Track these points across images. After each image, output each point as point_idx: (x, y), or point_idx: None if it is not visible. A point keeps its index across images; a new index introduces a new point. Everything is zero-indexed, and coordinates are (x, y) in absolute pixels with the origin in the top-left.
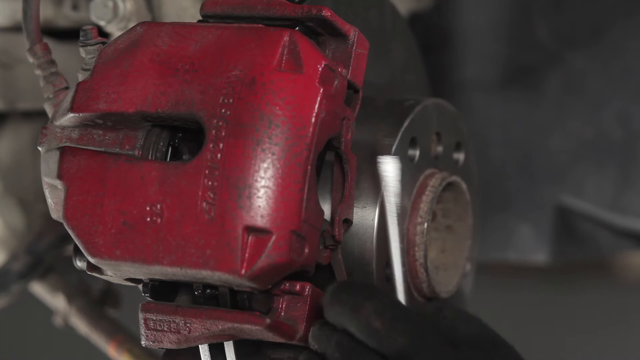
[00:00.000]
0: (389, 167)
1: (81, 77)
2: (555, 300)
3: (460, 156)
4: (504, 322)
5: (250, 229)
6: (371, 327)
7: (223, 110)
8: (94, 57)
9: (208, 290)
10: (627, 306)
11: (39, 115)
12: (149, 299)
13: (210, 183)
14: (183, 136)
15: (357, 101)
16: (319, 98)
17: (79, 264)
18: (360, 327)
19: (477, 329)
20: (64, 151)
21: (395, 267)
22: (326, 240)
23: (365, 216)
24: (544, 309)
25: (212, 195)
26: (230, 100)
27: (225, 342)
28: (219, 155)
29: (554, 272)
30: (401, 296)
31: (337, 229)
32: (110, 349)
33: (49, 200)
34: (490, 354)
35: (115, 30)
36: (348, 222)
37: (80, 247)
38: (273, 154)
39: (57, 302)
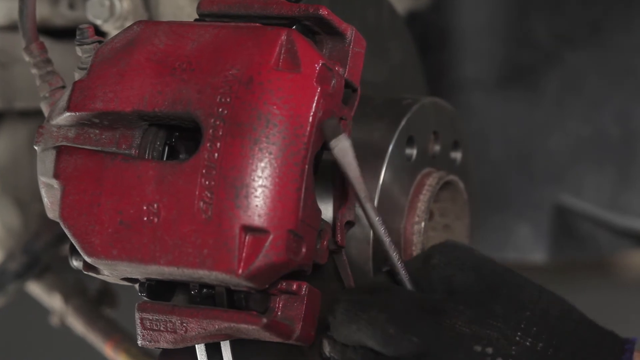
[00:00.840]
0: (344, 145)
1: (78, 76)
2: None
3: (457, 155)
4: None
5: (248, 229)
6: (387, 335)
7: (220, 110)
8: (90, 56)
9: (205, 290)
10: (627, 306)
11: (36, 114)
12: (145, 298)
13: (207, 182)
14: (180, 135)
15: (354, 100)
16: (316, 97)
17: (75, 263)
18: (377, 338)
19: (472, 274)
20: (60, 150)
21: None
22: (329, 244)
23: (362, 215)
24: None
25: (209, 195)
26: (228, 100)
27: (221, 342)
28: (216, 154)
29: (553, 272)
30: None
31: (339, 234)
32: (107, 349)
33: (45, 200)
34: (491, 307)
35: (111, 29)
36: (350, 223)
37: (77, 247)
38: (270, 153)
39: (54, 301)
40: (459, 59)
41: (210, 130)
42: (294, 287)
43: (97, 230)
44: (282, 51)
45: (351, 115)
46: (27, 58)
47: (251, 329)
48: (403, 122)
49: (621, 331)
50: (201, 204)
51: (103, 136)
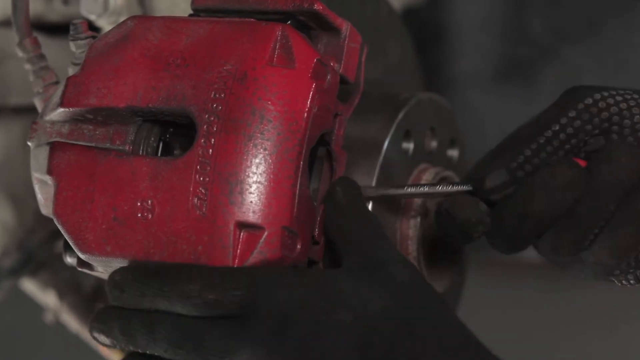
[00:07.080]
0: None
1: (71, 71)
2: (552, 299)
3: (454, 153)
4: (500, 320)
5: (242, 225)
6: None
7: (214, 105)
8: (84, 51)
9: None
10: (627, 306)
11: (30, 110)
12: None
13: (201, 179)
14: (174, 131)
15: (354, 96)
16: (311, 93)
17: (69, 260)
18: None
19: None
20: (53, 146)
21: None
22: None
23: None
24: (541, 307)
25: (203, 191)
26: (222, 95)
27: None
28: (210, 150)
29: (551, 270)
30: None
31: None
32: (102, 347)
33: (39, 196)
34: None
35: (105, 25)
36: None
37: (70, 243)
38: (265, 149)
39: (48, 298)
40: (456, 55)
41: (205, 126)
42: None
43: (90, 226)
44: (277, 47)
45: (348, 112)
46: (20, 53)
47: None
48: (400, 116)
49: (621, 330)
50: (195, 200)
51: (97, 132)
